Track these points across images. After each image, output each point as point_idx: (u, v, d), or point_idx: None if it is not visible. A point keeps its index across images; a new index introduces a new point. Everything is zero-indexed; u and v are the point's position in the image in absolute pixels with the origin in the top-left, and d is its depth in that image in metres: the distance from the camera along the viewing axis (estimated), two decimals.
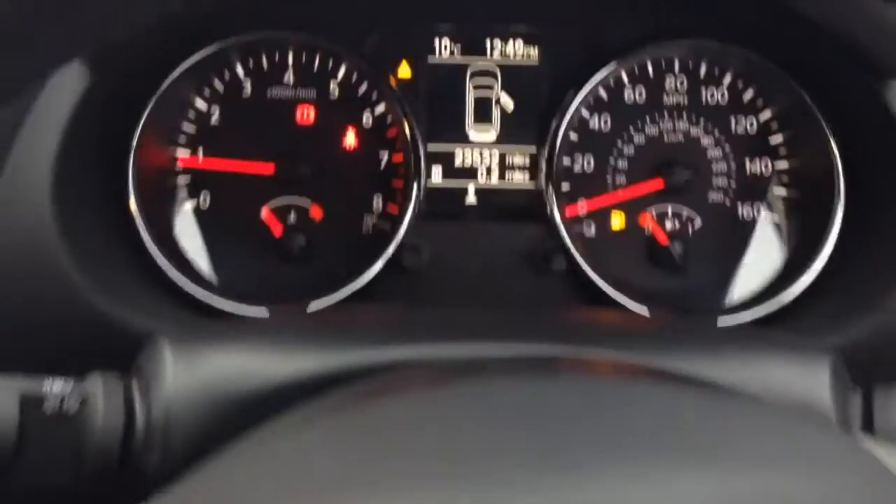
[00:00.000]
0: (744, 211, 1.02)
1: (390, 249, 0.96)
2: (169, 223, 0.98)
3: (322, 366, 0.61)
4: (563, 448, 0.40)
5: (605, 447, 0.40)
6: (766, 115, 1.01)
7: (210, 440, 0.57)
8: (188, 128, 1.00)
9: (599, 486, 0.37)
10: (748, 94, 1.01)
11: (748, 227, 1.01)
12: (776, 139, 1.01)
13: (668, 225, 1.02)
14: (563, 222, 0.98)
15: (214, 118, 1.00)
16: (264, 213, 1.00)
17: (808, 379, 0.62)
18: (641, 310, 0.94)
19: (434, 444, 0.42)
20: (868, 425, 0.62)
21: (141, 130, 0.95)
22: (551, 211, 0.98)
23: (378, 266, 0.96)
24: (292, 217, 1.00)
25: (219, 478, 0.44)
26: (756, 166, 1.01)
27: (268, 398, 0.59)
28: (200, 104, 0.99)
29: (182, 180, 1.00)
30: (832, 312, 0.90)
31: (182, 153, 1.00)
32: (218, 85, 0.99)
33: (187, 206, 1.00)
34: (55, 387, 0.60)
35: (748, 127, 1.01)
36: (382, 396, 0.49)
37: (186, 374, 0.61)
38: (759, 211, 1.02)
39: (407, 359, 0.60)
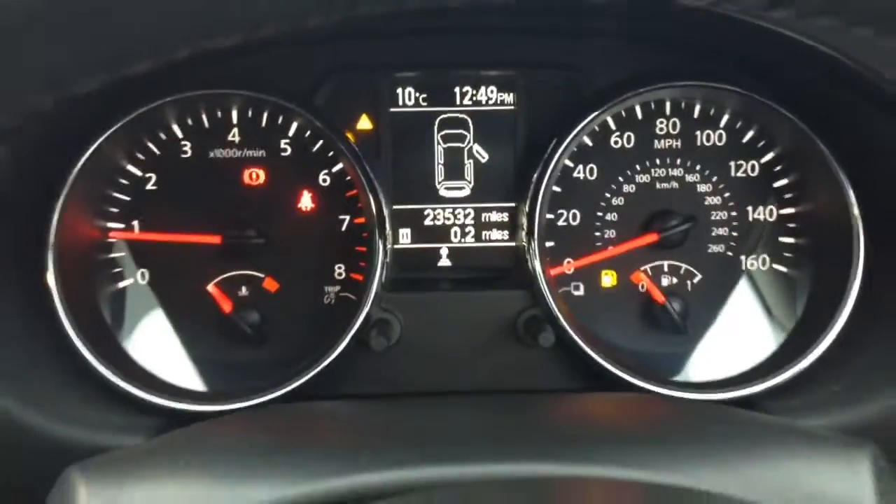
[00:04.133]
0: (748, 262, 0.91)
1: (356, 326, 0.84)
2: (96, 305, 0.87)
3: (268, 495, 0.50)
4: None
5: None
6: (768, 156, 0.91)
7: None
8: (121, 197, 0.88)
9: None
10: (748, 136, 0.91)
11: (753, 280, 0.91)
12: (781, 182, 0.91)
13: (665, 281, 0.92)
14: (548, 283, 0.87)
15: (151, 184, 0.89)
16: (212, 288, 0.89)
17: (851, 476, 0.53)
18: (643, 384, 0.83)
19: None
20: None
21: (63, 202, 0.83)
22: (534, 271, 0.87)
23: (342, 345, 0.84)
24: (244, 291, 0.89)
25: None
26: (760, 213, 0.91)
27: None
28: (134, 170, 0.88)
29: (116, 255, 0.89)
30: (853, 381, 0.79)
31: (115, 225, 0.88)
32: (153, 148, 0.88)
33: (121, 285, 0.88)
34: None
35: (749, 171, 0.91)
36: None
37: None
38: (764, 262, 0.91)
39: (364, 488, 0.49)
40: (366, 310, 0.85)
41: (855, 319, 0.84)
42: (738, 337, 0.91)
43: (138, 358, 0.86)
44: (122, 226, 0.89)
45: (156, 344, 0.88)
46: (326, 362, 0.84)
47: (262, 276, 0.90)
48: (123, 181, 0.88)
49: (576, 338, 0.85)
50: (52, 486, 0.55)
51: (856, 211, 0.85)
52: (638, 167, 0.91)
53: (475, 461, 0.51)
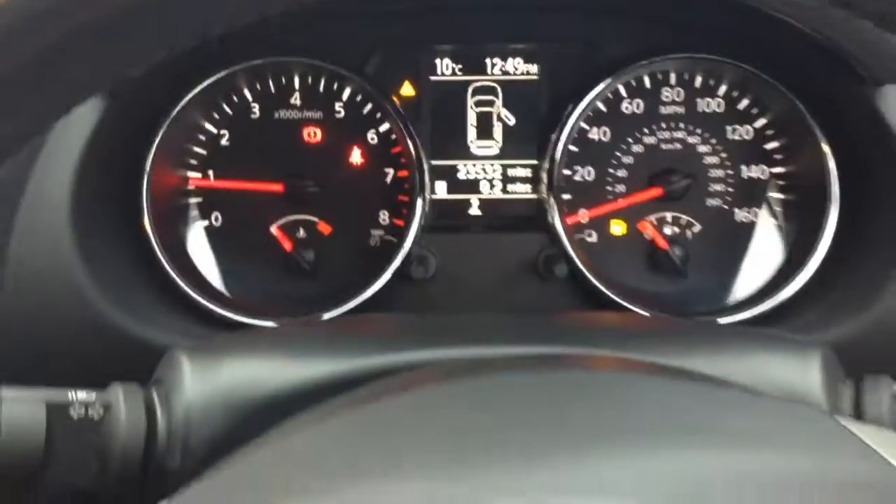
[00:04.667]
0: (741, 215, 1.04)
1: (397, 261, 0.99)
2: (182, 242, 1.02)
3: (334, 371, 0.64)
4: (558, 433, 0.42)
5: (595, 433, 0.42)
6: (761, 122, 1.03)
7: (228, 442, 0.59)
8: (199, 150, 1.03)
9: (585, 468, 0.39)
10: (743, 104, 1.03)
11: (746, 230, 1.04)
12: (771, 145, 1.04)
13: (668, 231, 1.04)
14: (565, 230, 1.01)
15: (224, 140, 1.03)
16: (274, 229, 1.03)
17: (801, 371, 0.65)
18: (642, 312, 0.97)
19: (438, 436, 0.45)
20: (858, 414, 0.64)
21: (154, 155, 0.98)
22: (553, 220, 1.01)
23: (386, 277, 0.99)
24: (301, 233, 1.04)
25: (238, 472, 0.46)
26: (752, 172, 1.04)
27: (282, 402, 0.62)
28: (210, 127, 1.03)
29: (194, 201, 1.03)
30: (827, 310, 0.92)
31: (193, 175, 1.03)
32: (227, 109, 1.03)
33: (200, 226, 1.03)
34: (79, 396, 0.63)
35: (744, 134, 1.04)
36: (389, 394, 0.52)
37: (204, 381, 0.64)
38: (756, 215, 1.04)
39: (416, 362, 0.63)
40: (406, 247, 0.99)
41: (828, 262, 0.97)
42: (732, 278, 1.04)
43: (213, 281, 1.01)
44: (199, 175, 1.03)
45: (226, 273, 1.03)
46: (372, 291, 0.98)
47: (316, 220, 1.04)
48: (201, 137, 1.03)
49: (586, 271, 0.99)
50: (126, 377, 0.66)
51: (833, 172, 0.98)
52: (646, 130, 1.04)
53: (499, 344, 0.65)
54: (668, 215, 1.04)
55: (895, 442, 0.45)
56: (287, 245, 1.03)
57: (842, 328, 0.88)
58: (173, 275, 0.96)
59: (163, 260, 0.96)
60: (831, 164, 0.98)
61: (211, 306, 0.96)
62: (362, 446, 0.45)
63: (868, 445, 0.45)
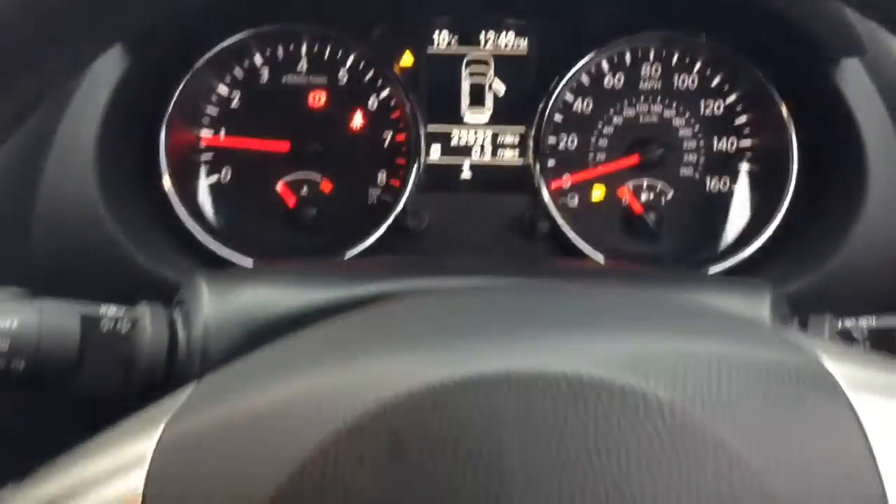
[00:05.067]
0: (711, 184, 1.13)
1: (393, 215, 1.08)
2: (195, 194, 1.10)
3: (341, 294, 0.71)
4: (532, 321, 0.51)
5: (560, 316, 0.51)
6: (731, 98, 1.12)
7: (244, 354, 0.67)
8: (211, 110, 1.11)
9: (552, 341, 0.48)
10: (716, 80, 1.12)
11: (715, 198, 1.13)
12: (741, 120, 1.12)
13: (644, 196, 1.13)
14: (550, 194, 1.10)
15: (235, 102, 1.11)
16: (279, 186, 1.11)
17: (750, 309, 0.73)
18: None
19: (426, 328, 0.53)
20: None
21: (171, 112, 1.06)
22: (538, 184, 1.10)
23: (383, 229, 1.07)
24: (304, 190, 1.12)
25: (263, 356, 0.55)
26: (723, 144, 1.13)
27: (293, 320, 0.70)
28: (223, 89, 1.11)
29: (206, 157, 1.11)
30: (786, 267, 1.01)
31: (206, 133, 1.11)
32: (238, 72, 1.11)
33: (210, 180, 1.11)
34: (110, 311, 0.71)
35: (716, 109, 1.12)
36: (386, 303, 0.61)
37: (222, 301, 0.72)
38: (725, 184, 1.13)
39: (414, 287, 0.71)
40: (402, 203, 1.08)
41: (787, 226, 1.06)
42: (701, 240, 1.12)
43: (220, 231, 1.10)
44: (211, 133, 1.11)
45: (232, 224, 1.11)
46: (369, 242, 1.07)
47: (319, 178, 1.12)
48: (214, 98, 1.11)
49: (566, 229, 1.08)
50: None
51: (794, 145, 1.07)
52: (626, 102, 1.12)
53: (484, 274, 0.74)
54: (645, 182, 1.13)
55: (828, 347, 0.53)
56: (291, 201, 1.11)
57: (800, 281, 0.97)
58: (188, 223, 1.05)
59: (179, 209, 1.05)
60: (793, 136, 1.07)
61: (223, 252, 1.05)
62: (366, 334, 0.54)
63: (801, 340, 0.53)
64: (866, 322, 0.75)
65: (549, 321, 0.51)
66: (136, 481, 0.48)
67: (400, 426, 0.44)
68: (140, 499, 0.47)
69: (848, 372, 0.50)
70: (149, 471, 0.48)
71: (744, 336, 0.52)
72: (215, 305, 0.72)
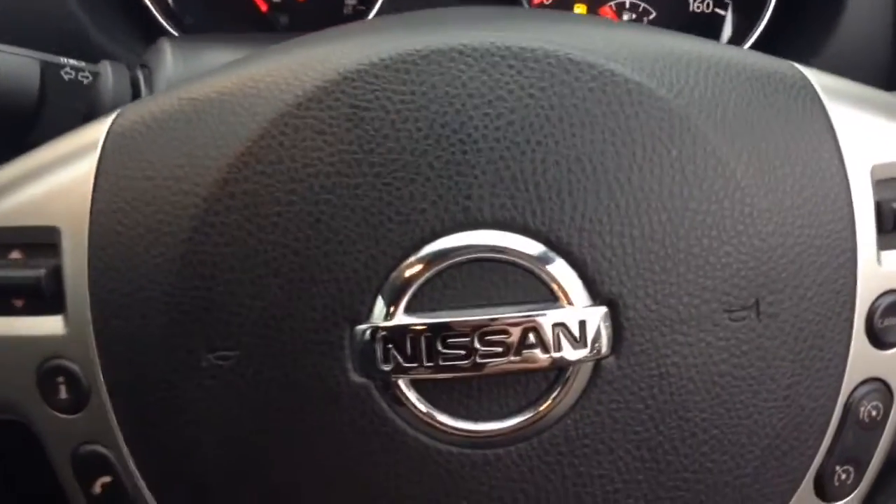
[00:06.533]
0: (695, 6, 1.11)
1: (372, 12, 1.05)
2: None
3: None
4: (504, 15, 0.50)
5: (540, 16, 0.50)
6: None
7: None
8: None
9: (523, 24, 0.47)
10: None
11: (698, 18, 1.11)
12: None
13: (626, 17, 1.11)
14: (530, 7, 1.07)
15: None
16: None
17: None
18: None
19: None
20: None
21: None
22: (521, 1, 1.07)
23: None
24: None
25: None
26: None
27: None
28: None
29: None
30: None
31: None
32: None
33: None
34: (71, 61, 0.69)
35: None
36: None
37: (185, 62, 0.70)
38: (708, 6, 1.11)
39: None
40: (375, 11, 1.06)
41: (768, 36, 1.06)
42: None
43: (189, 28, 1.07)
44: None
45: (203, 23, 1.07)
46: None
47: None
48: None
49: None
50: None
51: None
52: None
53: None
54: (627, 2, 1.10)
55: None
56: (263, 6, 1.08)
57: None
58: (157, 15, 1.02)
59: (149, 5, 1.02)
60: None
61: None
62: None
63: None
64: None
65: (522, 17, 0.50)
66: (89, 163, 0.47)
67: (361, 96, 0.43)
68: (92, 178, 0.46)
69: (825, 81, 0.49)
70: (101, 151, 0.47)
71: (724, 47, 0.51)
72: (178, 67, 0.70)
